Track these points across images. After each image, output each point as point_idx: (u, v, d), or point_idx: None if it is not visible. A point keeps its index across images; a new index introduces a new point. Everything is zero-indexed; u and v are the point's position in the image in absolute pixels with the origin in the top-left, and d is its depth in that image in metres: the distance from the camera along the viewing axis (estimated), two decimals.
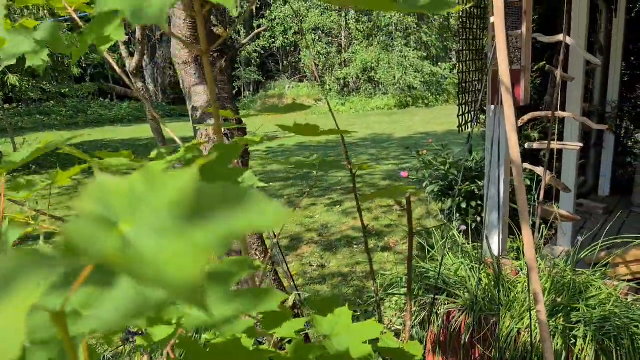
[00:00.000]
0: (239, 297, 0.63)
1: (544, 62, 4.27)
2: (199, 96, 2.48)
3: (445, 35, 21.27)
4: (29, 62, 0.85)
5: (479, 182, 4.15)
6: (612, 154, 4.66)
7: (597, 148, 4.76)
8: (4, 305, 0.19)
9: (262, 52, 22.96)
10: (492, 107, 3.04)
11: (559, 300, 2.38)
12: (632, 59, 5.00)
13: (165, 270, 0.22)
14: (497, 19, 1.90)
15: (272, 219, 0.26)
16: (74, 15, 0.79)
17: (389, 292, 2.99)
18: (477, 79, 3.45)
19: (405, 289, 2.95)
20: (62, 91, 10.69)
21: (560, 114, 2.33)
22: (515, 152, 1.83)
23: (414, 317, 2.78)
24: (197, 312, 0.60)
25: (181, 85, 2.33)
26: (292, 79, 23.00)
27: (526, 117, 2.17)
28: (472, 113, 2.98)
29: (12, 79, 8.50)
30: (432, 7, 0.87)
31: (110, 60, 0.92)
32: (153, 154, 1.14)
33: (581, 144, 2.85)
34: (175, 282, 0.21)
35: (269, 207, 0.26)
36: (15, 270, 0.21)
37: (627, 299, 2.29)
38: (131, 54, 2.24)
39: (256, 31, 0.81)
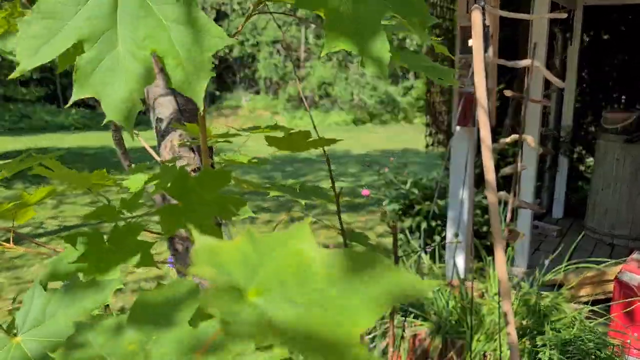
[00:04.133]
0: None
1: (503, 85, 4.38)
2: (164, 107, 2.37)
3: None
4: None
5: (440, 202, 4.18)
6: (565, 177, 4.81)
7: (551, 172, 4.90)
8: None
9: (219, 62, 22.75)
10: (458, 128, 3.06)
11: (524, 323, 2.39)
12: (584, 85, 5.20)
13: (316, 338, 0.21)
14: (475, 41, 1.90)
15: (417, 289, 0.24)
16: None
17: None
18: (441, 100, 3.49)
19: None
20: (6, 94, 10.16)
21: (527, 138, 2.36)
22: (491, 176, 1.82)
23: (378, 340, 2.73)
24: None
25: (145, 96, 2.22)
26: (249, 90, 22.87)
27: (508, 139, 2.20)
28: (441, 132, 2.99)
29: None
30: (433, 73, 0.83)
31: None
32: (129, 182, 1.04)
33: (525, 166, 2.90)
34: (330, 349, 0.21)
35: (408, 277, 0.24)
36: None
37: (590, 322, 2.32)
38: None
39: (240, 28, 0.75)
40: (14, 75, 0.48)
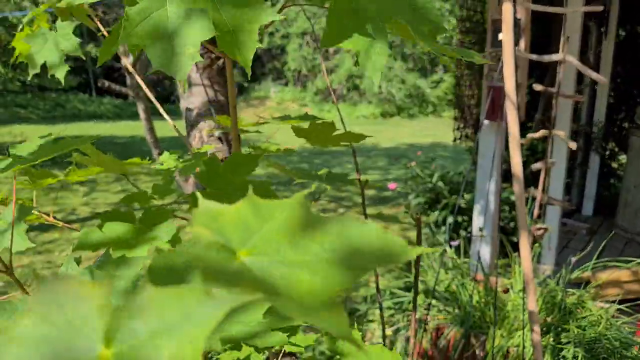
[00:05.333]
0: None
1: (533, 80, 4.30)
2: (194, 97, 2.42)
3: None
4: (52, 71, 0.80)
5: (466, 196, 4.15)
6: (596, 175, 4.71)
7: (582, 168, 4.81)
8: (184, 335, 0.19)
9: None
10: (487, 122, 3.03)
11: (548, 320, 2.37)
12: (619, 80, 5.08)
13: (300, 300, 0.23)
14: (506, 35, 1.88)
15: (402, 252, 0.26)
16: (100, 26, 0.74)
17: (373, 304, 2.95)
18: (470, 94, 3.46)
19: (392, 302, 2.92)
20: (42, 84, 10.41)
21: (558, 132, 2.33)
22: (517, 166, 1.81)
23: (400, 331, 2.74)
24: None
25: (178, 85, 2.27)
26: (277, 82, 22.94)
27: (537, 134, 2.17)
28: (468, 127, 2.97)
29: None
30: (460, 53, 0.84)
31: (128, 66, 0.86)
32: (163, 157, 1.08)
33: (554, 161, 2.86)
34: (314, 312, 0.22)
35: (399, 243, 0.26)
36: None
37: (617, 321, 2.29)
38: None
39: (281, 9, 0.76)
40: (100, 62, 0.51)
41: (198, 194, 0.27)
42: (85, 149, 0.72)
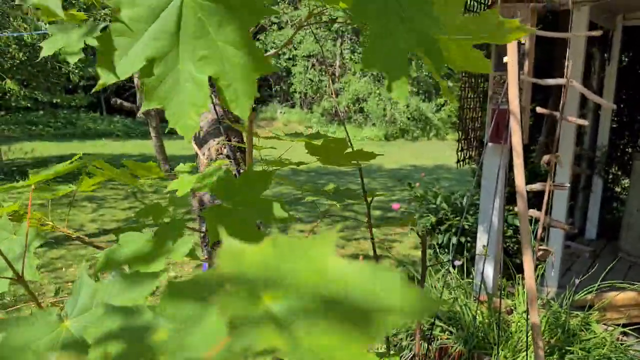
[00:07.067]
0: None
1: (536, 103, 4.36)
2: (204, 115, 2.48)
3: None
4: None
5: (470, 218, 4.17)
6: (600, 198, 4.73)
7: (585, 192, 4.83)
8: None
9: None
10: (491, 144, 3.08)
11: (552, 341, 2.38)
12: (622, 105, 5.13)
13: (326, 345, 0.23)
14: (511, 57, 1.94)
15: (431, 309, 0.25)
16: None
17: None
18: (472, 116, 3.51)
19: None
20: (54, 101, 10.57)
21: (559, 158, 2.37)
22: (521, 183, 1.85)
23: (403, 350, 2.74)
24: None
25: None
26: (284, 104, 23.13)
27: (544, 160, 2.22)
28: (472, 149, 3.01)
29: (10, 83, 8.34)
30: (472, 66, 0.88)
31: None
32: (178, 168, 1.12)
33: (568, 185, 2.88)
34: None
35: (423, 297, 0.26)
36: None
37: (622, 344, 2.30)
38: None
39: (281, 47, 0.81)
40: (96, 89, 0.56)
41: (222, 231, 0.28)
42: (99, 164, 0.77)
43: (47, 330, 0.55)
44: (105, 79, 0.54)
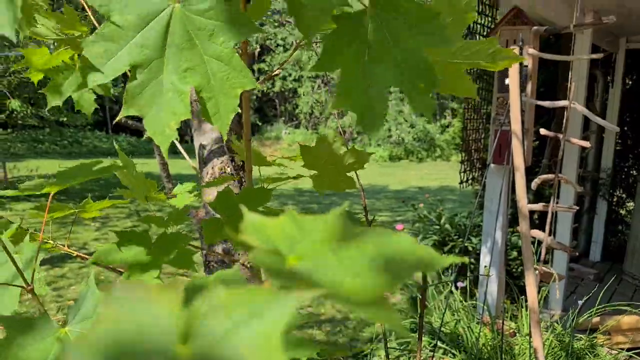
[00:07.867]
0: None
1: (539, 126, 4.37)
2: (207, 135, 2.50)
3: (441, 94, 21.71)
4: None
5: (473, 240, 4.16)
6: (604, 221, 4.71)
7: (590, 214, 4.81)
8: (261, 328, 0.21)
9: (260, 96, 23.29)
10: (493, 165, 3.08)
11: None
12: (626, 128, 5.13)
13: (351, 299, 0.26)
14: (512, 80, 1.96)
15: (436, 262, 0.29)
16: None
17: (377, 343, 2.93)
18: (475, 138, 3.52)
19: (397, 343, 2.90)
20: (60, 119, 10.66)
21: (563, 177, 2.37)
22: (523, 203, 1.85)
23: None
24: None
25: (193, 122, 2.35)
26: (289, 124, 23.26)
27: (539, 180, 2.22)
28: (475, 170, 3.02)
29: (15, 103, 8.44)
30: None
31: None
32: (177, 189, 1.14)
33: (577, 207, 2.88)
34: (364, 307, 0.25)
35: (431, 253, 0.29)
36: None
37: None
38: None
39: (273, 74, 0.83)
40: (88, 86, 0.57)
41: (243, 208, 0.30)
42: (122, 158, 0.78)
43: (46, 333, 0.55)
44: (90, 83, 0.54)
